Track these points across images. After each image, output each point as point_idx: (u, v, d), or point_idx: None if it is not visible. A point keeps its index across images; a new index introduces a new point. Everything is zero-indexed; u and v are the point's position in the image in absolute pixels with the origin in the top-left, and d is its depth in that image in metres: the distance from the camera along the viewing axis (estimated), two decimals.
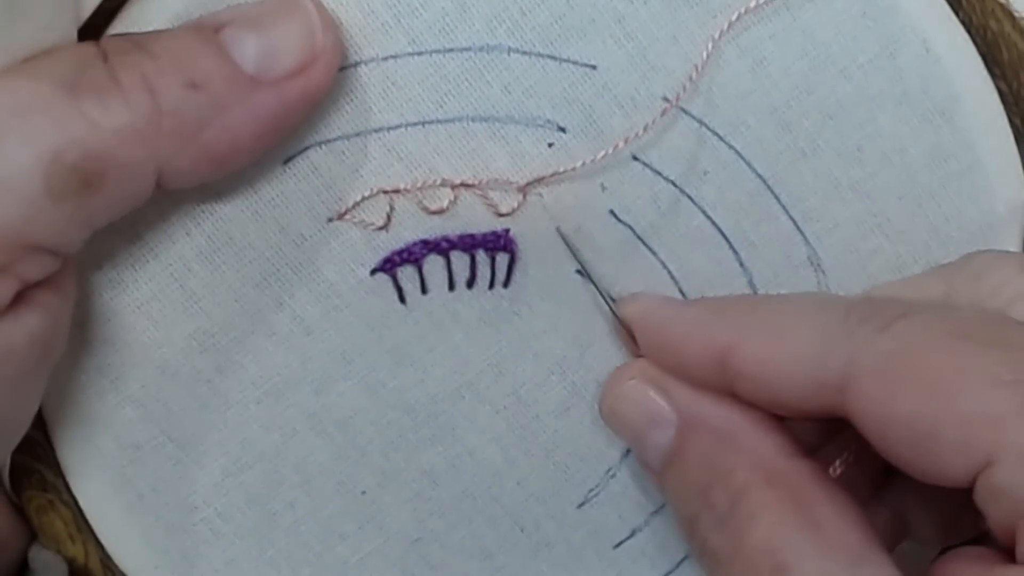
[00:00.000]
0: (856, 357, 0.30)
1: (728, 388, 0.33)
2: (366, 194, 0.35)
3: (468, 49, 0.35)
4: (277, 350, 0.37)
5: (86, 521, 0.38)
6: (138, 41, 0.31)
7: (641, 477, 0.39)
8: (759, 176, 0.37)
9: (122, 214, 0.32)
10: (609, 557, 0.40)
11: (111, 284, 0.36)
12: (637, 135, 0.36)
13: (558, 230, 0.36)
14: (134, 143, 0.30)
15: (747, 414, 0.33)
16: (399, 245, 0.36)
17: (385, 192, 0.36)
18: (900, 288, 0.37)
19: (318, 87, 0.33)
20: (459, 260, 0.37)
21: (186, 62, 0.31)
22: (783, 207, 0.37)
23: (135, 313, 0.36)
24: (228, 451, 0.38)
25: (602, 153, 0.36)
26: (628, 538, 0.40)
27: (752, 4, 0.35)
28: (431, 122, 0.35)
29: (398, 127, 0.35)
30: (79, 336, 0.36)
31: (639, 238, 0.37)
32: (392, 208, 0.36)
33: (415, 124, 0.35)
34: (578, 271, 0.37)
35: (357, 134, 0.35)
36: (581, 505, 0.39)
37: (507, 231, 0.36)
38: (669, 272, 0.37)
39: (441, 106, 0.35)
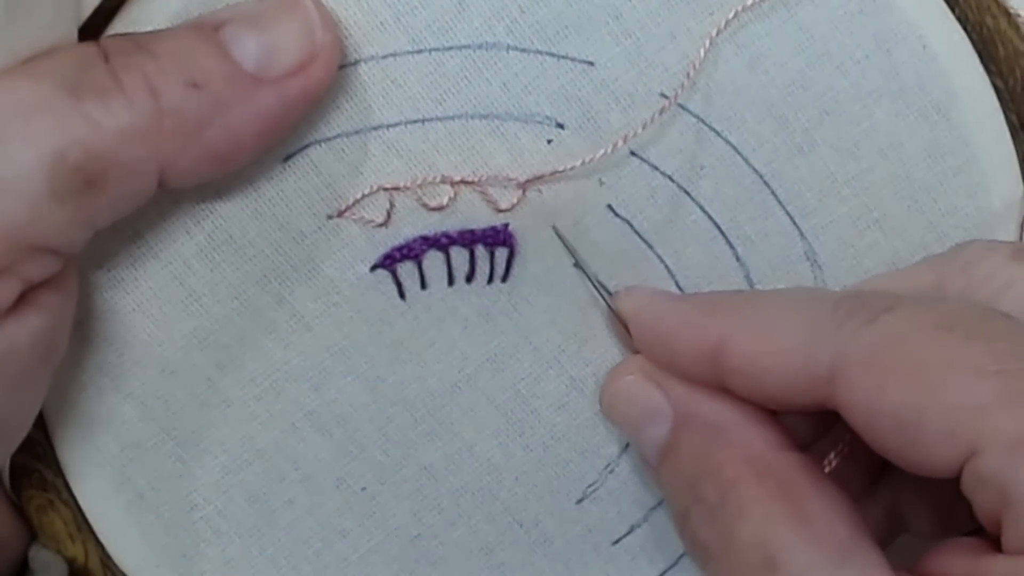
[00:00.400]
0: (843, 350, 0.31)
1: (721, 383, 0.34)
2: (366, 191, 0.36)
3: (467, 47, 0.35)
4: (277, 347, 0.37)
5: (86, 521, 0.38)
6: (139, 41, 0.31)
7: (639, 473, 0.39)
8: (756, 172, 0.37)
9: (125, 214, 0.32)
10: (608, 553, 0.40)
11: (111, 282, 0.36)
12: (636, 133, 0.36)
13: (553, 228, 0.36)
14: (136, 143, 0.30)
15: (739, 409, 0.34)
16: (399, 241, 0.36)
17: (385, 189, 0.36)
18: (891, 279, 0.37)
19: (318, 85, 0.33)
20: (458, 255, 0.37)
21: (187, 62, 0.31)
22: (780, 202, 0.37)
23: (135, 311, 0.36)
24: (228, 448, 0.38)
25: (601, 152, 0.36)
26: (626, 534, 0.40)
27: (749, 1, 0.35)
28: (430, 119, 0.35)
29: (397, 124, 0.35)
30: (79, 334, 0.36)
31: (637, 233, 0.37)
32: (392, 205, 0.36)
33: (414, 122, 0.35)
34: (575, 265, 0.37)
35: (357, 132, 0.35)
36: (580, 501, 0.40)
37: (506, 226, 0.36)
38: (666, 267, 0.38)
39: (440, 103, 0.35)
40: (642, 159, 0.36)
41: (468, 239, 0.36)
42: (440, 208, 0.36)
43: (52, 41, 0.31)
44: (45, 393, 0.35)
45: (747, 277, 0.38)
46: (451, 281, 0.37)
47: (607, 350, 0.38)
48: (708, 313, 0.34)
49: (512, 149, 0.36)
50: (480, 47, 0.35)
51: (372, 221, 0.36)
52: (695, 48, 0.36)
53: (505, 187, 0.36)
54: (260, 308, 0.36)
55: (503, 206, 0.36)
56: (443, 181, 0.36)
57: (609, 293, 0.37)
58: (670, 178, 0.37)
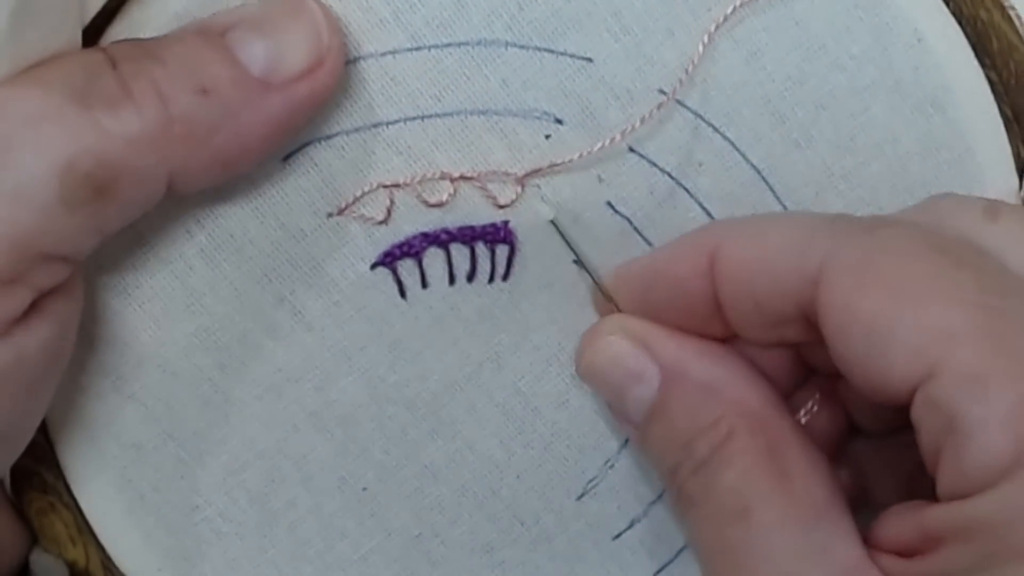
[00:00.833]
0: (835, 251, 0.31)
1: (716, 304, 0.34)
2: (366, 189, 0.36)
3: (466, 44, 0.35)
4: (278, 347, 0.37)
5: (87, 523, 0.38)
6: (147, 47, 0.32)
7: (639, 467, 0.40)
8: (753, 167, 0.37)
9: (133, 219, 0.32)
10: (608, 549, 0.40)
11: (112, 283, 0.36)
12: (634, 128, 0.36)
13: (552, 221, 0.36)
14: (146, 150, 0.30)
15: (730, 366, 0.34)
16: (399, 239, 0.36)
17: (385, 186, 0.36)
18: None
19: (325, 88, 0.33)
20: (459, 253, 0.37)
21: (195, 68, 0.31)
22: (777, 197, 0.38)
23: (136, 312, 0.36)
24: (229, 449, 0.38)
25: (599, 145, 0.36)
26: (627, 529, 0.40)
27: None
28: (430, 116, 0.35)
29: (397, 122, 0.35)
30: (80, 336, 0.36)
31: (636, 229, 0.37)
32: (392, 202, 0.36)
33: (414, 118, 0.35)
34: (575, 262, 0.37)
35: (356, 129, 0.35)
36: (580, 497, 0.40)
37: (506, 223, 0.36)
38: None
39: (440, 100, 0.35)
40: (641, 155, 0.37)
41: (468, 236, 0.36)
42: (440, 204, 0.36)
43: (58, 46, 0.31)
44: (50, 399, 0.34)
45: None
46: (452, 280, 0.37)
47: None
48: (704, 231, 0.35)
49: (511, 145, 0.36)
50: (479, 44, 0.35)
51: (372, 219, 0.36)
52: (693, 44, 0.36)
53: (504, 183, 0.36)
54: (261, 308, 0.36)
55: (502, 202, 0.36)
56: (442, 177, 0.36)
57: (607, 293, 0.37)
58: (669, 174, 0.37)
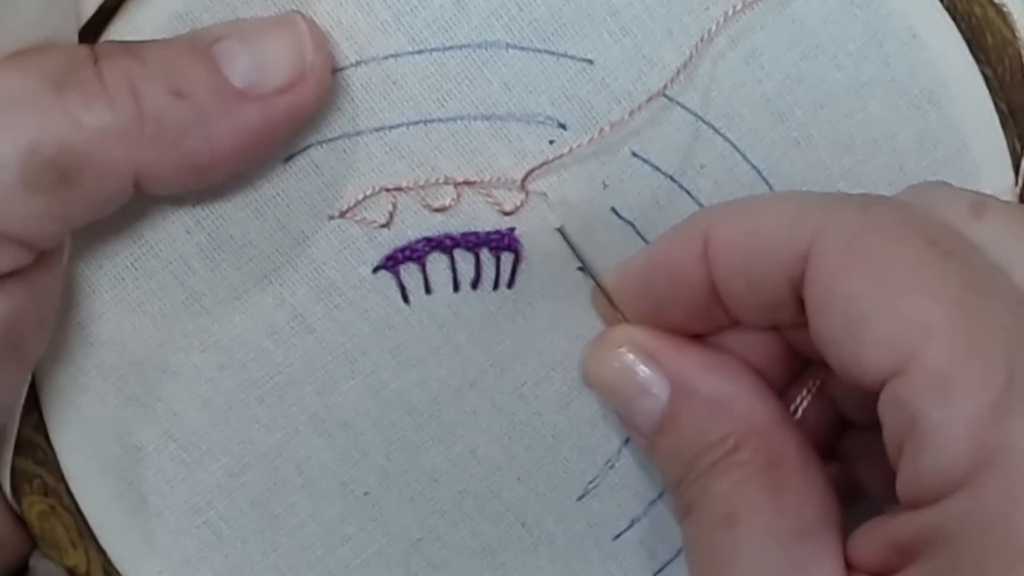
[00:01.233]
0: (825, 226, 0.31)
1: (713, 287, 0.34)
2: (368, 192, 0.36)
3: (467, 46, 0.35)
4: (279, 349, 0.37)
5: (88, 527, 0.38)
6: (131, 47, 0.32)
7: (639, 467, 0.40)
8: (754, 167, 0.37)
9: (100, 214, 0.32)
10: (609, 549, 0.40)
11: (111, 283, 0.36)
12: (624, 120, 0.36)
13: (559, 229, 0.36)
14: (113, 144, 0.31)
15: (740, 380, 0.34)
16: (402, 243, 0.36)
17: (387, 190, 0.36)
18: None
19: (305, 105, 0.33)
20: (463, 260, 0.37)
21: (174, 70, 0.31)
22: None
23: (136, 312, 0.36)
24: (230, 451, 0.38)
25: (588, 138, 0.36)
26: (627, 529, 0.40)
27: None
28: (432, 120, 0.36)
29: (399, 126, 0.35)
30: (79, 336, 0.36)
31: (639, 234, 0.37)
32: (394, 206, 0.36)
33: (416, 123, 0.35)
34: (579, 269, 0.37)
35: (358, 133, 0.35)
36: (581, 498, 0.40)
37: (512, 230, 0.37)
38: None
39: (442, 104, 0.35)
40: (643, 160, 0.37)
41: (472, 242, 0.37)
42: (443, 209, 0.36)
43: (40, 37, 0.31)
44: (18, 390, 0.35)
45: None
46: (456, 287, 0.37)
47: None
48: (696, 217, 0.35)
49: (515, 150, 0.36)
50: (480, 46, 0.35)
51: (374, 222, 0.36)
52: (692, 45, 0.36)
53: (509, 188, 0.36)
54: (262, 309, 0.36)
55: (507, 208, 0.36)
56: (446, 182, 0.36)
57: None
58: (671, 177, 0.37)
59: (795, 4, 0.36)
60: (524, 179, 0.36)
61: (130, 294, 0.36)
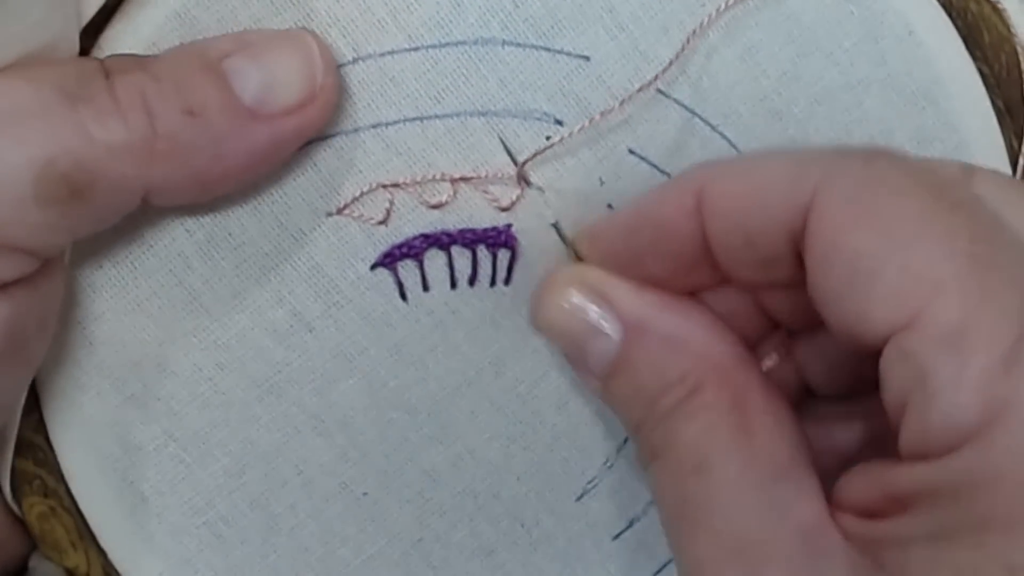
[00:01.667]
0: (828, 179, 0.30)
1: (702, 242, 0.33)
2: (365, 188, 0.36)
3: (463, 43, 0.35)
4: (278, 347, 0.37)
5: (88, 528, 0.38)
6: (143, 62, 0.32)
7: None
8: None
9: (105, 226, 0.32)
10: (608, 548, 0.40)
11: (110, 282, 0.36)
12: (615, 109, 0.36)
13: (554, 225, 0.36)
14: (126, 161, 0.31)
15: (697, 318, 0.33)
16: (399, 240, 0.36)
17: (384, 187, 0.36)
18: None
19: (312, 125, 0.34)
20: (460, 257, 0.37)
21: (186, 88, 0.32)
22: None
23: (135, 311, 0.36)
24: (230, 451, 0.38)
25: (578, 126, 0.36)
26: (626, 528, 0.40)
27: None
28: (429, 117, 0.36)
29: (396, 122, 0.36)
30: (78, 336, 0.36)
31: None
32: (392, 203, 0.36)
33: (413, 119, 0.36)
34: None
35: (355, 130, 0.35)
36: (580, 498, 0.40)
37: (508, 227, 0.37)
38: None
39: (439, 101, 0.36)
40: (641, 157, 0.37)
41: (469, 238, 0.37)
42: (440, 206, 0.36)
43: (46, 40, 0.31)
44: (19, 392, 0.35)
45: None
46: (454, 284, 0.37)
47: None
48: (690, 172, 0.33)
49: (511, 146, 0.36)
50: (476, 43, 0.35)
51: (372, 219, 0.36)
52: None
53: (505, 184, 0.36)
54: (260, 308, 0.37)
55: (504, 204, 0.36)
56: (442, 179, 0.36)
57: None
58: (668, 175, 0.37)
59: (791, 1, 0.36)
60: (521, 167, 0.36)
61: (129, 293, 0.36)
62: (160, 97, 0.31)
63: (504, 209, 0.36)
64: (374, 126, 0.36)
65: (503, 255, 0.37)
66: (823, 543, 0.30)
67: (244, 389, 0.37)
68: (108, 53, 0.34)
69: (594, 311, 0.34)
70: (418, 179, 0.36)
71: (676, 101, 0.37)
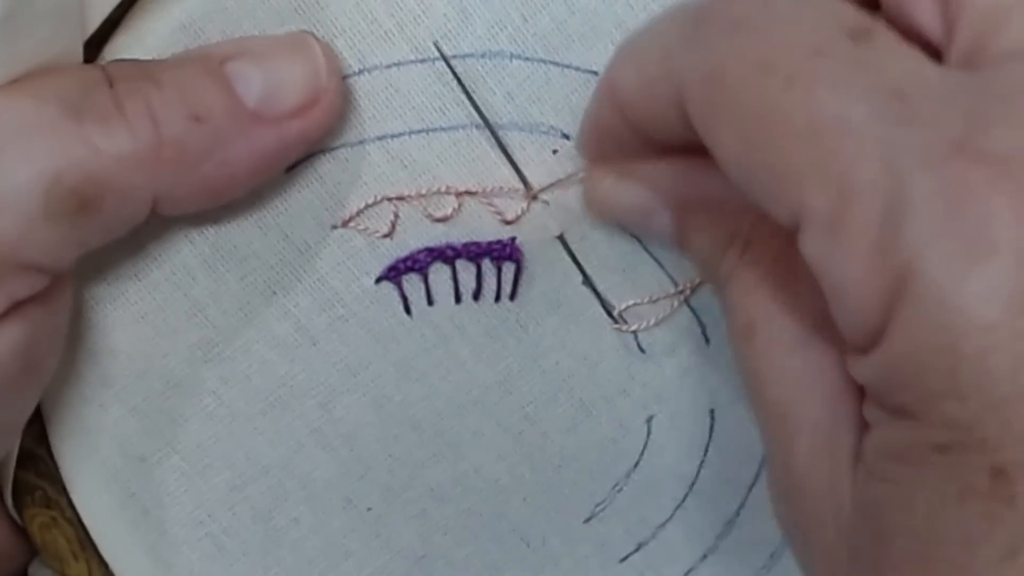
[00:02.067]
0: (687, 70, 0.28)
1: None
2: (370, 201, 0.36)
3: (470, 56, 0.35)
4: (282, 361, 0.37)
5: (89, 538, 0.38)
6: (145, 69, 0.32)
7: (648, 491, 0.39)
8: None
9: (115, 236, 0.32)
10: (614, 571, 0.40)
11: (114, 294, 0.36)
12: None
13: (560, 238, 0.36)
14: (134, 170, 0.30)
15: (719, 176, 0.29)
16: (404, 253, 0.36)
17: (389, 199, 0.36)
18: None
19: (317, 128, 0.33)
20: (465, 270, 0.36)
21: (191, 94, 0.31)
22: None
23: (139, 323, 0.36)
24: (234, 464, 0.37)
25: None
26: (634, 552, 0.39)
27: None
28: (435, 130, 0.35)
29: (402, 135, 0.35)
30: (82, 347, 0.36)
31: (644, 247, 0.37)
32: (396, 215, 0.36)
33: (419, 132, 0.35)
34: (583, 283, 0.37)
35: (360, 142, 0.35)
36: (588, 520, 0.39)
37: (513, 239, 0.36)
38: (673, 281, 0.37)
39: (444, 113, 0.35)
40: None
41: (474, 252, 0.36)
42: (445, 219, 0.36)
43: (53, 55, 0.31)
44: (31, 406, 0.35)
45: None
46: (458, 298, 0.37)
47: (618, 373, 0.38)
48: (609, 65, 0.32)
49: (517, 160, 0.36)
50: (484, 56, 0.35)
51: (377, 232, 0.36)
52: None
53: (511, 198, 0.36)
54: (265, 320, 0.36)
55: (509, 217, 0.36)
56: (447, 192, 0.36)
57: (616, 313, 0.37)
58: None
59: None
60: (529, 194, 0.36)
61: (133, 305, 0.36)
62: (165, 104, 0.31)
63: (509, 223, 0.36)
64: (379, 138, 0.35)
65: (508, 268, 0.36)
66: (842, 413, 0.28)
67: (248, 402, 0.37)
68: None
69: (636, 196, 0.34)
70: (423, 192, 0.36)
71: None
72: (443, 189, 0.36)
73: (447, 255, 0.36)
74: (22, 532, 0.38)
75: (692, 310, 0.38)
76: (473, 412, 0.38)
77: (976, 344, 0.24)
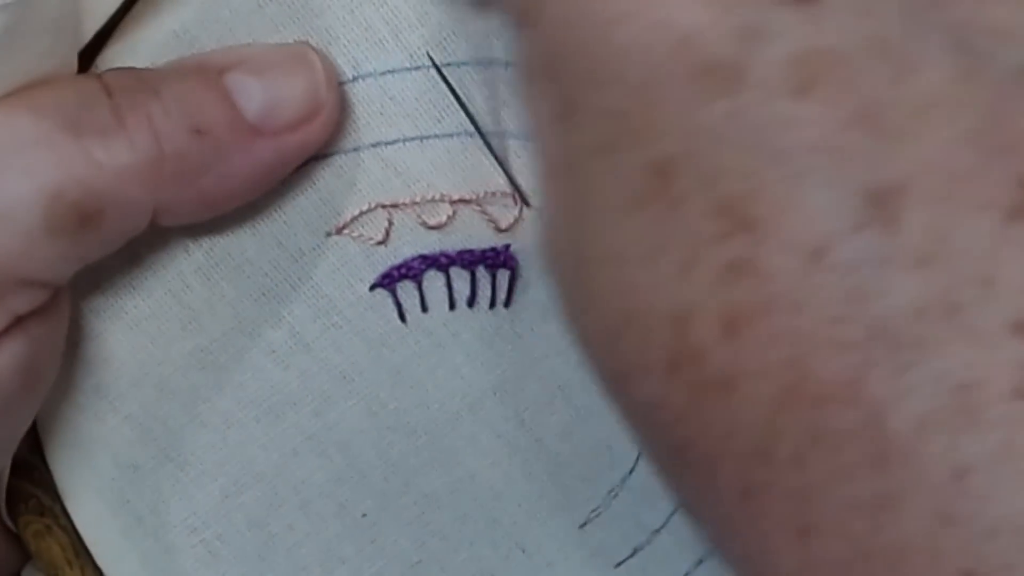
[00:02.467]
0: None
1: None
2: (364, 208, 0.36)
3: (466, 63, 0.35)
4: (276, 368, 0.37)
5: (84, 546, 0.38)
6: (145, 79, 0.32)
7: (644, 496, 0.39)
8: None
9: (114, 249, 0.32)
10: None
11: (107, 302, 0.36)
12: None
13: None
14: (135, 184, 0.30)
15: None
16: (398, 260, 0.36)
17: (383, 206, 0.36)
18: None
19: (316, 141, 0.33)
20: (459, 277, 0.36)
21: (192, 107, 0.31)
22: None
23: (133, 331, 0.36)
24: (228, 471, 0.37)
25: None
26: (630, 557, 0.39)
27: None
28: (429, 137, 0.35)
29: (396, 142, 0.35)
30: (75, 356, 0.36)
31: None
32: (391, 223, 0.36)
33: (413, 139, 0.35)
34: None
35: (355, 149, 0.35)
36: (583, 525, 0.39)
37: (507, 247, 0.36)
38: None
39: (439, 121, 0.35)
40: None
41: (468, 259, 0.36)
42: (439, 227, 0.36)
43: (51, 67, 0.31)
44: (31, 419, 0.35)
45: None
46: (452, 305, 0.37)
47: None
48: None
49: (513, 167, 0.36)
50: (478, 63, 0.35)
51: (371, 239, 0.36)
52: None
53: (505, 206, 0.36)
54: (259, 327, 0.36)
55: (503, 225, 0.36)
56: (441, 199, 0.36)
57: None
58: None
59: None
60: (524, 199, 0.36)
61: (128, 313, 0.36)
62: (166, 117, 0.31)
63: (503, 230, 0.36)
64: (374, 145, 0.35)
65: (502, 275, 0.36)
66: None
67: (242, 409, 0.37)
68: None
69: None
70: (417, 199, 0.36)
71: None
72: (437, 197, 0.36)
73: (441, 262, 0.36)
74: (16, 539, 0.38)
75: None
76: (468, 418, 0.38)
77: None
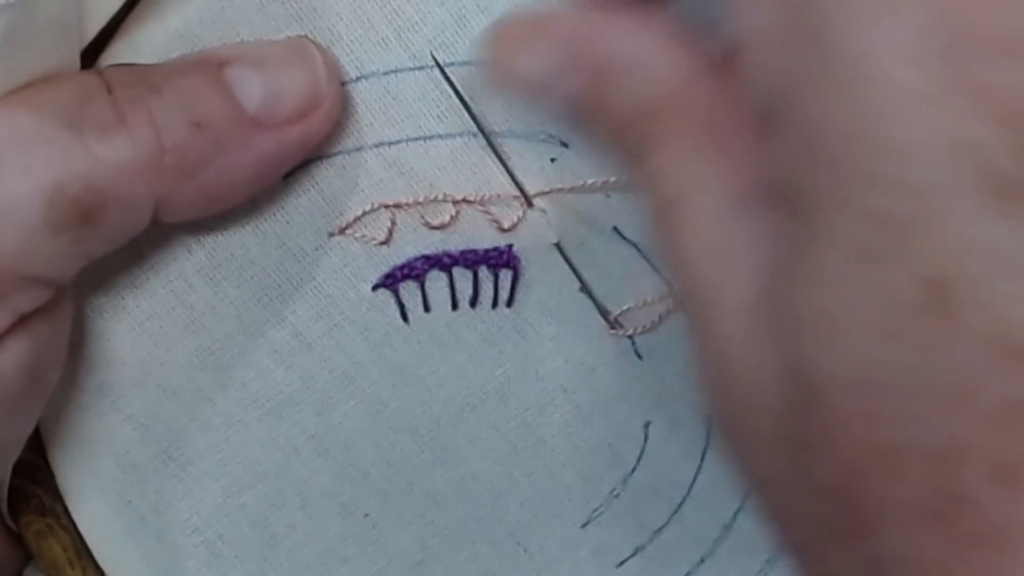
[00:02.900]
0: None
1: None
2: (367, 208, 0.36)
3: (468, 63, 0.35)
4: (279, 368, 0.37)
5: (85, 546, 0.38)
6: (144, 75, 0.32)
7: (645, 496, 0.39)
8: None
9: (117, 245, 0.32)
10: None
11: (110, 301, 0.36)
12: None
13: (556, 245, 0.36)
14: (136, 178, 0.30)
15: (645, 36, 0.27)
16: (400, 260, 0.36)
17: (386, 207, 0.36)
18: None
19: (317, 134, 0.33)
20: (462, 277, 0.36)
21: (191, 100, 0.31)
22: None
23: (135, 331, 0.36)
24: (230, 471, 0.37)
25: (613, 178, 0.36)
26: (631, 556, 0.39)
27: None
28: (432, 137, 0.35)
29: (399, 142, 0.35)
30: (78, 356, 0.36)
31: (643, 256, 0.37)
32: (393, 223, 0.36)
33: (416, 139, 0.35)
34: (580, 290, 0.37)
35: (358, 149, 0.35)
36: (585, 525, 0.39)
37: (510, 247, 0.36)
38: (670, 287, 0.37)
39: (442, 121, 0.35)
40: None
41: (471, 259, 0.36)
42: (442, 227, 0.36)
43: (53, 65, 0.31)
44: (36, 419, 0.34)
45: None
46: (455, 304, 0.37)
47: (615, 379, 0.38)
48: None
49: (516, 168, 0.36)
50: (481, 64, 0.35)
51: (373, 239, 0.36)
52: None
53: (508, 206, 0.36)
54: (262, 327, 0.36)
55: (506, 225, 0.36)
56: (444, 199, 0.36)
57: (612, 319, 0.37)
58: None
59: None
60: (526, 200, 0.36)
61: (130, 313, 0.36)
62: (165, 111, 0.31)
63: (506, 230, 0.36)
64: (376, 145, 0.35)
65: (505, 275, 0.36)
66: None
67: (244, 409, 0.37)
68: None
69: (547, 49, 0.29)
70: (420, 200, 0.36)
71: None
72: (440, 197, 0.36)
73: (444, 262, 0.36)
74: (18, 539, 0.38)
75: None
76: (470, 418, 0.38)
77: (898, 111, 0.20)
